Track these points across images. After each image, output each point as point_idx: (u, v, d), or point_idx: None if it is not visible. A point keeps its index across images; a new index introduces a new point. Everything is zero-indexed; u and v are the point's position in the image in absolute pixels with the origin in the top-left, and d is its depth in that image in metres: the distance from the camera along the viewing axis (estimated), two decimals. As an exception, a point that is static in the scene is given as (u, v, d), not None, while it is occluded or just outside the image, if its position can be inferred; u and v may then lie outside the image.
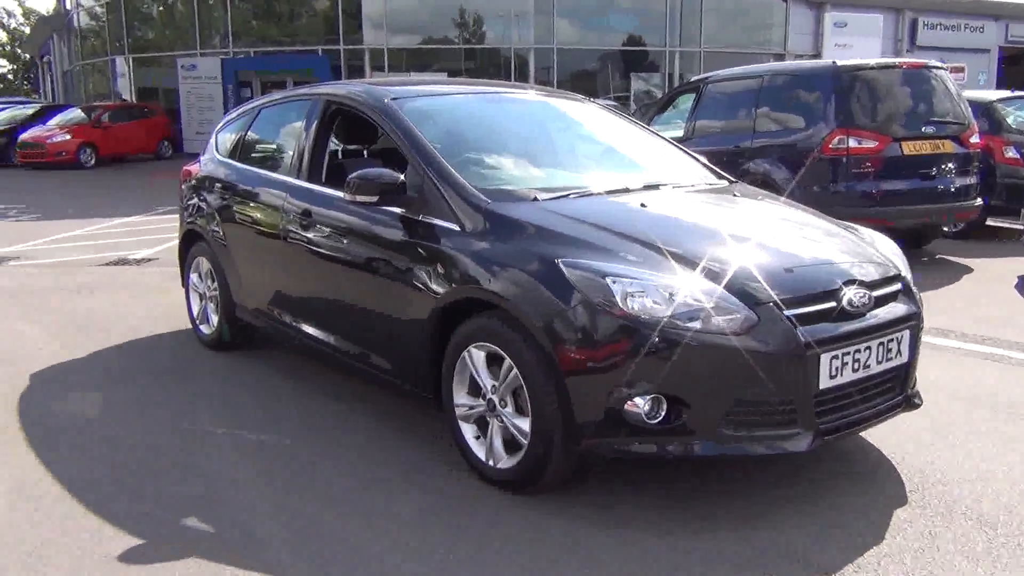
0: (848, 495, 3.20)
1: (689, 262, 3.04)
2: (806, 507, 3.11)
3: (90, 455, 3.70)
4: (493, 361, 3.28)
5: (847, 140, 7.39)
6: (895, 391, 3.26)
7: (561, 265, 3.02)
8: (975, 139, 7.92)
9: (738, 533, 2.94)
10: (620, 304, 2.89)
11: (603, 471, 3.39)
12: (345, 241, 3.94)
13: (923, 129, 7.61)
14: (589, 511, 3.11)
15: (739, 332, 2.86)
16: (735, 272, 3.01)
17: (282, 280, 4.51)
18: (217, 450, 3.73)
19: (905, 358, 3.24)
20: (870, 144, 7.44)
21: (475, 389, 3.38)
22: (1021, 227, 8.33)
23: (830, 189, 7.46)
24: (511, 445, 3.25)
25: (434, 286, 3.43)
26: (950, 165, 7.65)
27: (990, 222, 9.29)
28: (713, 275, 3.00)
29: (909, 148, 7.53)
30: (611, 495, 3.24)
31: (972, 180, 7.85)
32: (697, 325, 2.86)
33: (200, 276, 5.42)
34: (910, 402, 3.33)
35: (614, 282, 2.93)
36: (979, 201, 7.96)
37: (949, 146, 7.68)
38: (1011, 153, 9.04)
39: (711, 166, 4.43)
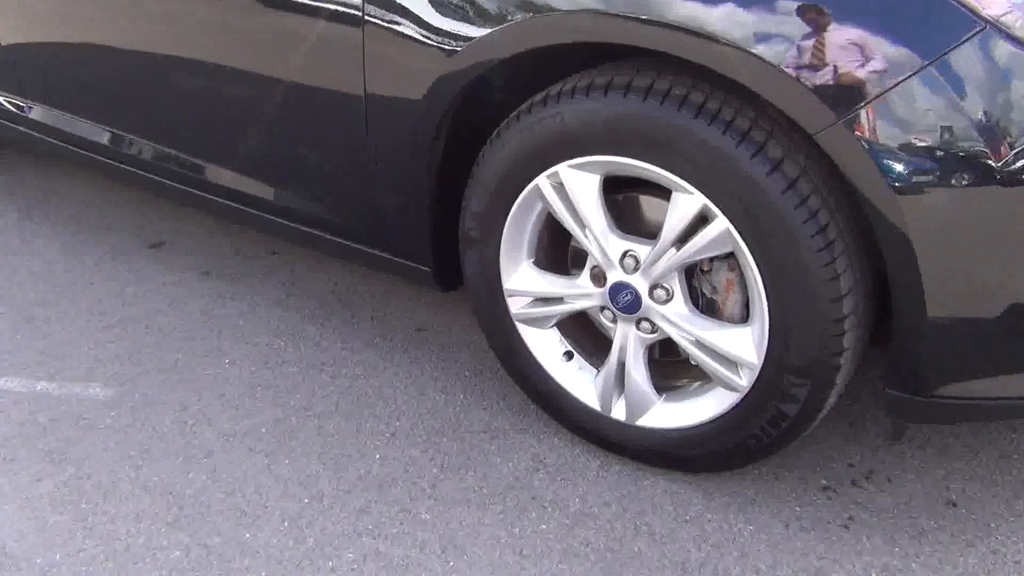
0: None
1: None
2: None
3: None
4: (613, 190, 1.43)
5: None
6: None
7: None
8: None
9: None
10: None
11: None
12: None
13: None
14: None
15: None
16: None
17: (28, 38, 2.21)
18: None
19: None
20: None
21: (553, 258, 1.56)
22: None
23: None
24: (671, 374, 1.50)
25: (443, 25, 1.42)
26: None
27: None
28: None
29: None
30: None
31: None
32: None
33: None
34: None
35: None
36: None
37: None
38: None
39: None
